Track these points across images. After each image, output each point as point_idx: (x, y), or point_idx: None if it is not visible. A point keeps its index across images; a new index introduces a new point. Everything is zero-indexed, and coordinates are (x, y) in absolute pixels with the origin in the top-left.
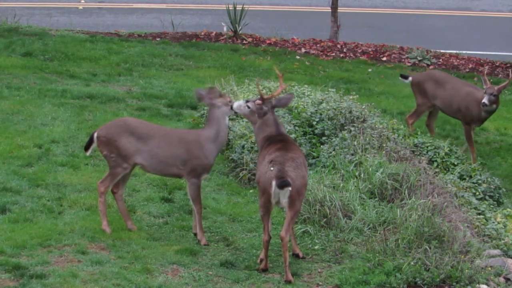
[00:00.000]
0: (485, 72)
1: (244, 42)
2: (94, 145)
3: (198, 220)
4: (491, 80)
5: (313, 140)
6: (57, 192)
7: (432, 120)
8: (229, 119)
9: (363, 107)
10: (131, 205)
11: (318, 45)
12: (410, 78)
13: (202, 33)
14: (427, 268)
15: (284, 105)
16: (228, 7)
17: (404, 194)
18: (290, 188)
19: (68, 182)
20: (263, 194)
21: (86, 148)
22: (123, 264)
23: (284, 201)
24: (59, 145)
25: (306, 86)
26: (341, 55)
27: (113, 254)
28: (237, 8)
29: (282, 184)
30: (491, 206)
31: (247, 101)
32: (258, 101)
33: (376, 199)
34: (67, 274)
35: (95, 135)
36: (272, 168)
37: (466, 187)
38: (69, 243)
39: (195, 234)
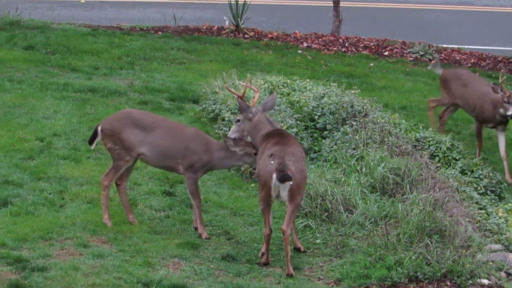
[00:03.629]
0: (502, 80)
1: (246, 36)
2: (98, 139)
3: (198, 214)
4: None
5: (315, 135)
6: (59, 185)
7: (447, 114)
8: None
9: (365, 101)
10: (132, 199)
11: (320, 40)
12: (440, 72)
13: (204, 27)
14: (429, 263)
15: (271, 107)
16: (230, 1)
17: (406, 188)
18: (291, 182)
19: (70, 175)
20: (264, 188)
21: (91, 141)
22: (125, 257)
23: (284, 194)
24: (60, 139)
25: (308, 80)
26: (343, 49)
27: (115, 247)
28: (239, 2)
29: (283, 178)
30: (493, 200)
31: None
32: (239, 99)
33: (378, 193)
34: (68, 267)
35: (99, 128)
36: (272, 162)
37: (468, 182)
38: (71, 236)
39: (196, 229)
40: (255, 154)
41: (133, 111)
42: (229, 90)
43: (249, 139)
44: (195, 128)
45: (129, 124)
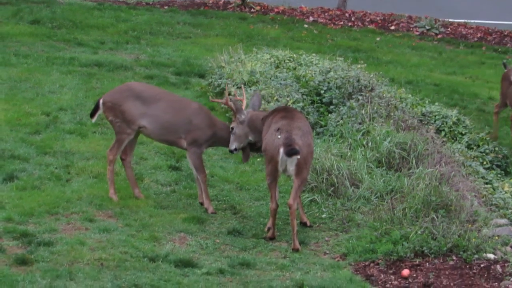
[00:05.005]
0: None
1: (252, 10)
2: (100, 112)
3: (204, 189)
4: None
5: (321, 109)
6: (65, 159)
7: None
8: None
9: (371, 76)
10: (138, 173)
11: (326, 14)
12: (505, 70)
13: (210, 1)
14: (434, 237)
15: (259, 105)
16: None
17: (412, 163)
18: (298, 156)
19: (76, 150)
20: (270, 162)
21: (92, 114)
22: (131, 232)
23: (291, 169)
24: (66, 113)
25: (314, 54)
26: (349, 24)
27: (121, 222)
28: None
29: (291, 152)
30: (499, 175)
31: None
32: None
33: (384, 168)
34: (74, 241)
35: (101, 101)
36: (279, 136)
37: (474, 157)
38: (77, 211)
39: (202, 204)
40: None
41: (135, 84)
42: (213, 101)
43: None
44: (198, 102)
45: (131, 97)
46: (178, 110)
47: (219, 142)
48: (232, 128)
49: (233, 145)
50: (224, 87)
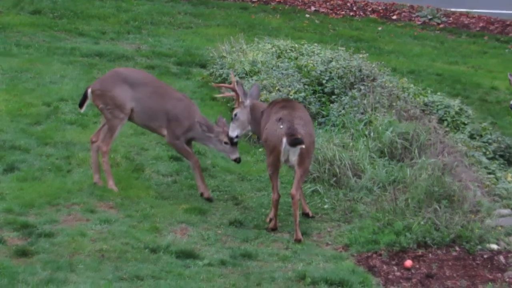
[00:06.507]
0: None
1: (254, 0)
2: (88, 101)
3: (198, 173)
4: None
5: (323, 99)
6: (66, 150)
7: None
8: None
9: (373, 65)
10: (139, 164)
11: (328, 3)
12: None
13: None
14: (437, 228)
15: (257, 96)
16: None
17: (414, 153)
18: (303, 146)
19: (77, 141)
20: (272, 152)
21: (81, 105)
22: (132, 223)
23: (294, 159)
24: (67, 103)
25: (315, 44)
26: (351, 13)
27: (122, 213)
28: None
29: (295, 141)
30: (502, 165)
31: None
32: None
33: (386, 158)
34: (75, 232)
35: (89, 90)
36: (281, 126)
37: (477, 146)
38: (78, 202)
39: (202, 194)
40: (225, 143)
41: (121, 69)
42: (218, 85)
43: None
44: (183, 94)
45: (119, 81)
46: (161, 98)
47: (197, 138)
48: (235, 115)
49: (234, 132)
50: (226, 77)
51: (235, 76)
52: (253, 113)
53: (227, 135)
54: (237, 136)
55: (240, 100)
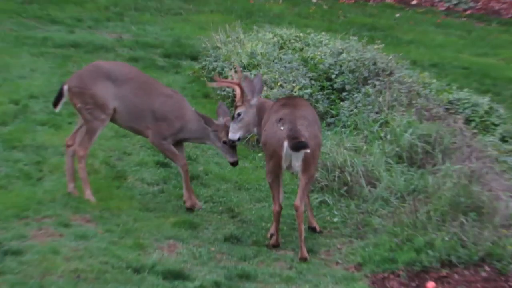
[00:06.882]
0: None
1: None
2: (64, 99)
3: (184, 179)
4: None
5: (332, 96)
6: (36, 155)
7: None
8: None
9: (390, 58)
10: (121, 171)
11: None
12: None
13: None
14: (464, 244)
15: (260, 89)
16: None
17: (437, 158)
18: (307, 150)
19: (49, 144)
20: (272, 158)
21: (55, 103)
22: (112, 238)
23: (297, 165)
24: (38, 101)
25: (323, 33)
26: None
27: (100, 227)
28: None
29: (297, 145)
30: None
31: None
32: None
33: (405, 164)
34: (47, 250)
35: (65, 87)
36: (282, 127)
37: (509, 151)
38: (50, 214)
39: (184, 203)
40: (224, 142)
41: (102, 63)
42: (220, 81)
43: (254, 130)
44: (173, 89)
45: (100, 77)
46: (147, 94)
47: (190, 137)
48: (239, 114)
49: (236, 134)
50: (221, 72)
51: (231, 70)
52: (260, 114)
53: (227, 135)
54: (239, 139)
55: (245, 97)
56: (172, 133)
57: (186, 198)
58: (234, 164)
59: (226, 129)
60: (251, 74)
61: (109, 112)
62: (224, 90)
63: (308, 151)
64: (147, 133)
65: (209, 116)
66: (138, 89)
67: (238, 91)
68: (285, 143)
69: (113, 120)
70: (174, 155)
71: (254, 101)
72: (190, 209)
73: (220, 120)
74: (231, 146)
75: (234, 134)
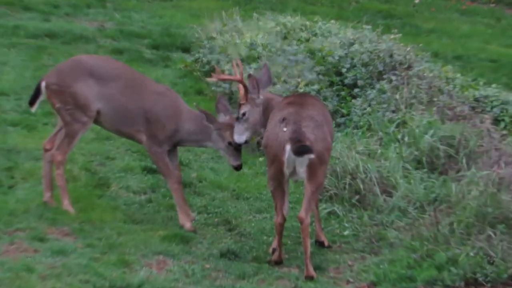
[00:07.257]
0: None
1: None
2: (42, 98)
3: (176, 198)
4: None
5: (342, 93)
6: (7, 159)
7: None
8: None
9: (408, 49)
10: (103, 178)
11: None
12: None
13: None
14: (491, 261)
15: (268, 81)
16: None
17: (461, 163)
18: (312, 156)
19: (22, 147)
20: (273, 163)
21: (32, 102)
22: (93, 254)
23: (302, 171)
24: (9, 99)
25: (333, 21)
26: None
27: (80, 241)
28: None
29: (301, 149)
30: None
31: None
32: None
33: (425, 170)
34: (19, 267)
35: (43, 84)
36: (285, 129)
37: None
38: (23, 227)
39: (183, 226)
40: (230, 144)
41: (84, 57)
42: (221, 77)
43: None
44: (165, 86)
45: (82, 74)
46: (137, 93)
47: (187, 140)
48: (243, 114)
49: (243, 136)
50: (215, 64)
51: (227, 63)
52: (267, 112)
53: (233, 138)
54: (246, 142)
55: (250, 95)
56: (167, 136)
57: (184, 221)
58: (238, 168)
59: (230, 127)
60: (250, 68)
61: (92, 114)
62: (220, 86)
63: (313, 156)
64: (139, 138)
65: (211, 113)
66: (126, 87)
67: (241, 87)
68: (287, 147)
69: (98, 123)
70: (166, 169)
71: (259, 99)
72: (193, 231)
73: (223, 118)
74: (236, 148)
75: (240, 136)
